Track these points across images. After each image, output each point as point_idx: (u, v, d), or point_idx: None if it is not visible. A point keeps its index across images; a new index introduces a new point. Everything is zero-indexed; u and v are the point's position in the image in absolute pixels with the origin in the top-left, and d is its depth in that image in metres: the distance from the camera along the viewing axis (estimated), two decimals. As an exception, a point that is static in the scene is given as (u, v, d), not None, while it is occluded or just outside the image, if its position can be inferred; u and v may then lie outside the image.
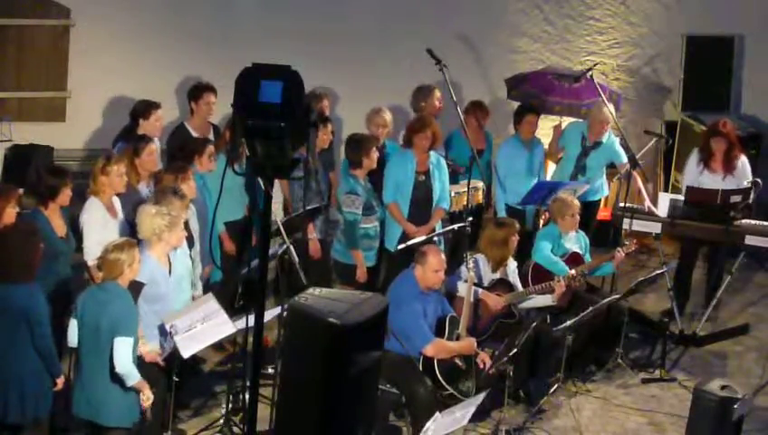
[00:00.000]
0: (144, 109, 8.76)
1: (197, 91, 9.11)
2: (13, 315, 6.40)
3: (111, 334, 6.36)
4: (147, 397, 6.55)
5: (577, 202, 8.90)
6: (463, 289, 7.99)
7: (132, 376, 6.45)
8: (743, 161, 9.60)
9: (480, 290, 8.20)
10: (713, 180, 9.47)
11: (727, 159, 9.50)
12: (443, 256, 7.73)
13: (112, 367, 6.39)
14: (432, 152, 8.98)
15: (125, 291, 6.53)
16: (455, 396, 7.46)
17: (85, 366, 6.52)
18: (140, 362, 6.69)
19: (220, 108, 9.19)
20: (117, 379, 6.43)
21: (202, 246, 7.92)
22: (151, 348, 6.98)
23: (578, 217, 8.87)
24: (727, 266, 9.73)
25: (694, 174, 9.61)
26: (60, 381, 6.68)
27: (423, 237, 8.49)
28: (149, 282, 6.94)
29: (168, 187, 7.57)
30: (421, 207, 8.89)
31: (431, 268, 7.61)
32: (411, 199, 8.83)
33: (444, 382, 7.52)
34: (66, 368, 7.07)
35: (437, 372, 7.52)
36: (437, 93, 9.68)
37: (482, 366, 7.74)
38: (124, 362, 6.38)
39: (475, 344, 7.76)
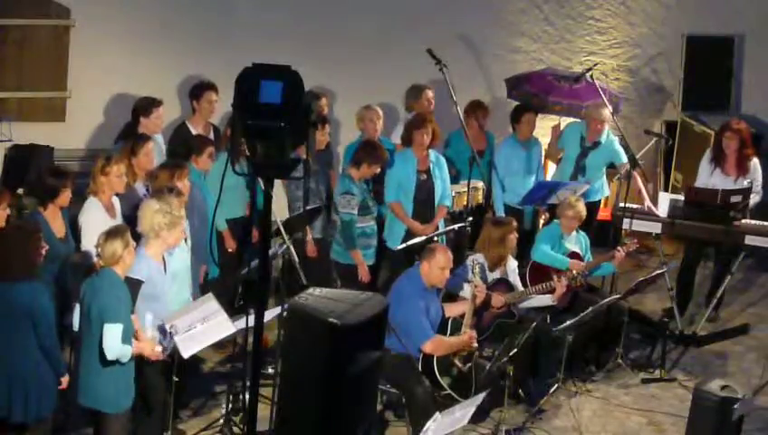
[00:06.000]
0: (146, 106, 8.76)
1: (199, 90, 9.15)
2: (16, 314, 6.38)
3: (100, 321, 6.36)
4: (151, 353, 6.61)
5: (584, 210, 8.86)
6: (467, 290, 7.98)
7: (125, 355, 6.44)
8: (755, 163, 9.52)
9: (480, 290, 8.20)
10: (723, 182, 9.39)
11: (739, 160, 9.41)
12: (450, 255, 7.73)
13: (102, 353, 6.38)
14: (431, 150, 8.98)
15: (118, 278, 6.51)
16: (453, 396, 7.46)
17: (81, 351, 6.55)
18: (141, 366, 6.69)
19: (220, 107, 9.19)
20: (107, 364, 6.41)
21: (200, 244, 7.91)
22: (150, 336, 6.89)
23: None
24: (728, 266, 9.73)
25: (705, 174, 9.55)
26: (64, 380, 6.67)
27: (423, 238, 8.50)
28: (146, 280, 6.92)
29: (164, 186, 7.54)
30: (424, 205, 8.90)
31: (438, 265, 7.61)
32: (414, 198, 8.84)
33: (443, 383, 7.52)
34: (68, 357, 7.07)
35: (437, 372, 7.52)
36: (428, 93, 9.67)
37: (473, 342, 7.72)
38: (112, 346, 6.35)
39: (475, 337, 7.71)
